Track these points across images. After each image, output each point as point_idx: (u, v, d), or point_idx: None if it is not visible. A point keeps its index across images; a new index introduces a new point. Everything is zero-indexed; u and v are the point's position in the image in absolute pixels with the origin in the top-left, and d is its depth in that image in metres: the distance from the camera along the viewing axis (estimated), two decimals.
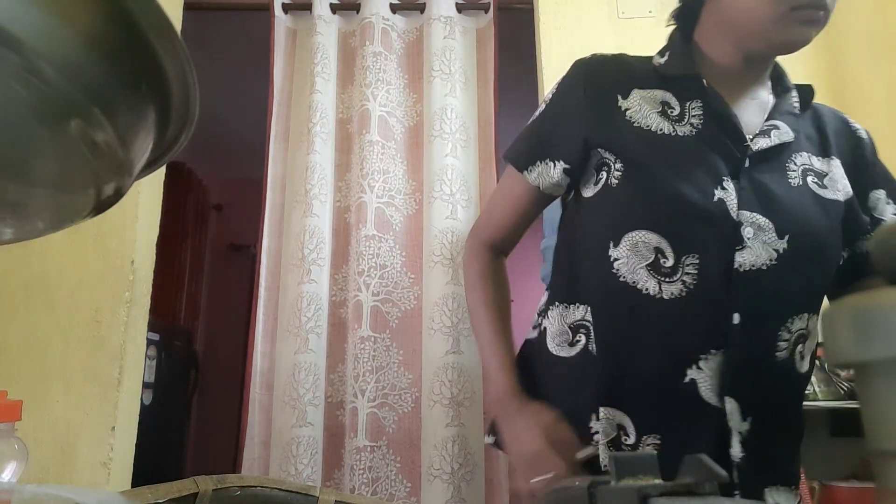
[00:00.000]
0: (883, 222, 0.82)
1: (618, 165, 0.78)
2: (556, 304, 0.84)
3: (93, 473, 1.44)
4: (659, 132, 0.77)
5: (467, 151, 1.95)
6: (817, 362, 1.59)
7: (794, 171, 0.77)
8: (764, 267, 0.72)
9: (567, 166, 0.83)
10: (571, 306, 0.82)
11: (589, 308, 0.80)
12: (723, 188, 0.73)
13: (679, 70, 0.81)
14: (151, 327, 1.72)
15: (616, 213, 0.77)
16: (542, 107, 0.89)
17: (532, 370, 0.85)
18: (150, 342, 1.87)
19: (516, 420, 0.78)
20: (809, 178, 0.77)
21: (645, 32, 1.81)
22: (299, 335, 1.77)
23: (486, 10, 2.08)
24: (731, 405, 0.71)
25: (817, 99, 0.89)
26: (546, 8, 1.88)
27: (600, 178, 0.80)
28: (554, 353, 0.82)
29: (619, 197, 0.77)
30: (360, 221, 1.84)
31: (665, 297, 0.73)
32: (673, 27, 0.87)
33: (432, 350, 1.75)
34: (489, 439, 0.86)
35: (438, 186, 1.86)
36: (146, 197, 1.66)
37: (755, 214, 0.73)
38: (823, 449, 1.64)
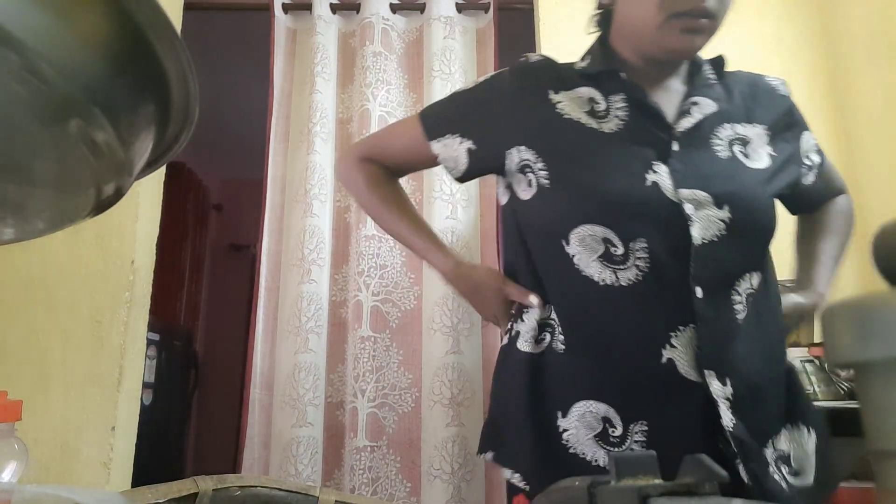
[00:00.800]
0: (814, 156, 0.92)
1: (539, 165, 0.81)
2: (530, 308, 0.85)
3: (93, 473, 1.44)
4: (588, 126, 0.80)
5: None
6: (817, 362, 1.59)
7: (720, 143, 0.81)
8: (715, 238, 0.75)
9: (473, 147, 0.87)
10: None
11: (552, 307, 0.81)
12: (654, 171, 0.76)
13: (599, 68, 0.85)
14: (151, 327, 1.72)
15: (558, 212, 0.79)
16: (469, 86, 0.94)
17: (503, 373, 0.87)
18: (150, 342, 1.87)
19: (471, 278, 0.93)
20: (736, 148, 0.81)
21: None
22: (299, 335, 1.77)
23: (486, 10, 2.08)
24: (711, 376, 0.72)
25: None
26: (546, 8, 1.88)
27: (530, 180, 0.82)
28: (521, 349, 0.83)
29: (555, 196, 0.79)
30: (360, 221, 1.84)
31: (623, 283, 0.75)
32: (594, 33, 0.92)
33: (432, 350, 1.75)
34: (488, 456, 0.85)
35: (438, 186, 1.86)
36: (146, 197, 1.66)
37: (693, 191, 0.75)
38: None
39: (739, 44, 1.92)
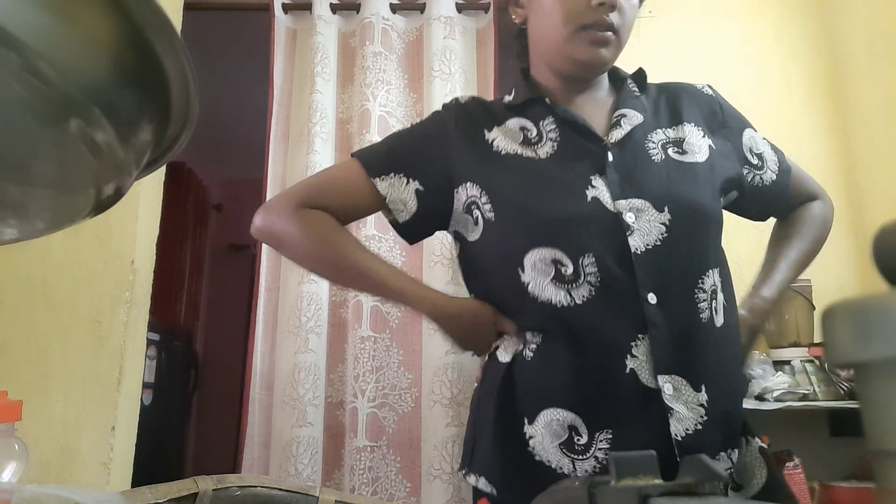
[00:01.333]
0: (763, 154, 0.92)
1: (484, 199, 0.81)
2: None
3: (93, 473, 1.44)
4: (525, 156, 0.82)
5: None
6: (817, 362, 1.59)
7: (654, 148, 0.82)
8: (658, 242, 0.76)
9: (420, 188, 0.85)
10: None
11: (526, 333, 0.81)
12: (593, 186, 0.78)
13: (524, 97, 0.88)
14: (151, 327, 1.72)
15: (508, 242, 0.79)
16: (407, 128, 0.93)
17: (481, 386, 0.88)
18: (150, 342, 1.87)
19: (465, 312, 0.86)
20: (670, 150, 0.82)
21: (644, 32, 1.81)
22: (299, 335, 1.77)
23: (486, 10, 2.08)
24: (667, 382, 0.72)
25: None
26: None
27: (477, 218, 0.82)
28: (500, 360, 0.82)
29: (503, 227, 0.80)
30: (360, 221, 1.84)
31: (578, 301, 0.75)
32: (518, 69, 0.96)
33: (432, 350, 1.75)
34: (462, 473, 0.85)
35: None
36: (146, 197, 1.65)
37: (630, 200, 0.77)
38: (823, 449, 1.64)
39: (739, 44, 1.92)
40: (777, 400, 1.49)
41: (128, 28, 0.31)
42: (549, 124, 0.84)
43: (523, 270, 0.77)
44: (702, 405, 0.73)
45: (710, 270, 0.78)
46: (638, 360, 0.73)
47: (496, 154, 0.83)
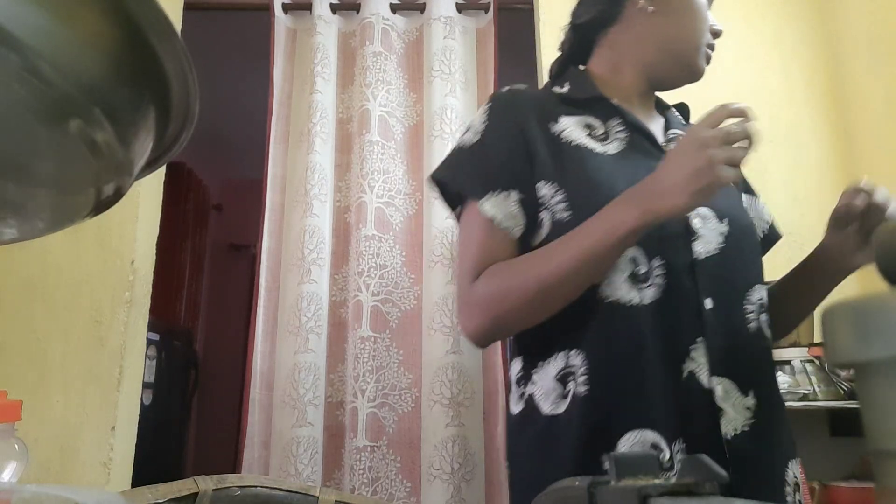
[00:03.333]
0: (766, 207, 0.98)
1: (558, 198, 0.77)
2: (539, 364, 0.79)
3: (93, 473, 1.44)
4: (595, 150, 0.80)
5: None
6: (817, 362, 1.59)
7: None
8: (717, 251, 0.77)
9: (521, 196, 0.78)
10: (550, 359, 0.78)
11: (571, 351, 0.76)
12: None
13: (587, 94, 0.86)
14: (151, 327, 1.72)
15: None
16: (471, 135, 0.83)
17: (526, 443, 0.79)
18: (150, 342, 1.87)
19: (668, 165, 0.68)
20: None
21: None
22: (299, 335, 1.77)
23: (486, 10, 2.08)
24: (720, 384, 0.73)
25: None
26: (546, 8, 1.89)
27: (541, 220, 0.78)
28: (550, 413, 0.76)
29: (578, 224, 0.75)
30: (360, 221, 1.84)
31: (646, 302, 0.74)
32: (558, 59, 0.96)
33: (432, 350, 1.75)
34: None
35: None
36: (146, 197, 1.66)
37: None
38: (823, 449, 1.63)
39: (740, 44, 1.92)
40: None
41: (128, 28, 0.31)
42: (616, 126, 0.83)
43: None
44: (748, 408, 0.74)
45: (758, 286, 0.81)
46: (696, 363, 0.73)
47: (566, 144, 0.80)
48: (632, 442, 0.71)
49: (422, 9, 2.06)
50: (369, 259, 1.81)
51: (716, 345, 0.74)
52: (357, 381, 1.73)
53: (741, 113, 0.68)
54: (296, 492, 0.86)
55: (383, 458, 1.69)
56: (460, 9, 2.06)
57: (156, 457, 2.43)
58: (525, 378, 0.81)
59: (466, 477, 1.67)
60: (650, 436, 0.71)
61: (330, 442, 1.77)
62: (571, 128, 0.81)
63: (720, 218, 0.79)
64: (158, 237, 1.73)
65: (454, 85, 1.96)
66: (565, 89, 0.87)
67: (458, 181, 0.82)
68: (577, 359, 0.75)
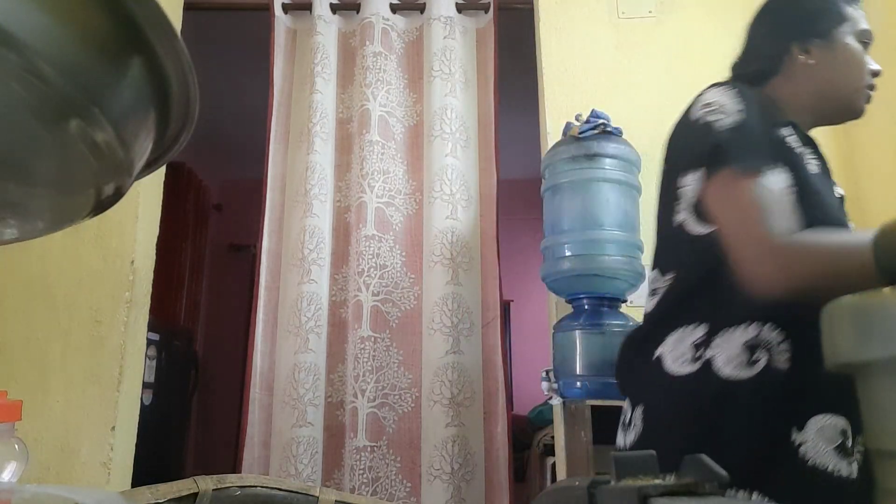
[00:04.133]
0: None
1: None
2: (724, 330, 0.81)
3: (93, 473, 1.44)
4: (807, 160, 0.86)
5: (467, 151, 1.95)
6: None
7: None
8: None
9: (784, 174, 0.81)
10: (741, 327, 0.80)
11: (766, 324, 0.79)
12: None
13: (784, 119, 0.89)
14: (151, 327, 1.72)
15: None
16: (733, 116, 0.84)
17: (698, 403, 0.81)
18: (150, 342, 1.87)
19: None
20: None
21: (644, 32, 1.81)
22: (299, 335, 1.77)
23: (486, 10, 2.08)
24: None
25: None
26: (546, 8, 1.88)
27: None
28: (730, 377, 0.79)
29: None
30: (360, 221, 1.84)
31: None
32: (731, 78, 0.97)
33: (432, 350, 1.75)
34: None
35: (438, 186, 1.86)
36: (146, 197, 1.66)
37: None
38: None
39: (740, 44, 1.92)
40: None
41: (128, 28, 0.31)
42: (810, 153, 0.88)
43: None
44: None
45: None
46: None
47: (790, 149, 0.85)
48: (822, 424, 0.74)
49: (422, 9, 2.06)
50: (369, 259, 1.81)
51: None
52: (357, 381, 1.73)
53: None
54: (296, 492, 0.86)
55: (383, 458, 1.69)
56: (460, 9, 2.06)
57: (156, 457, 2.43)
58: (706, 342, 0.83)
59: (466, 477, 1.67)
60: (841, 422, 0.74)
61: (330, 442, 1.77)
62: (789, 135, 0.87)
63: None
64: (158, 237, 1.73)
65: (454, 85, 1.96)
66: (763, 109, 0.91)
67: (745, 162, 0.81)
68: (771, 334, 0.78)
